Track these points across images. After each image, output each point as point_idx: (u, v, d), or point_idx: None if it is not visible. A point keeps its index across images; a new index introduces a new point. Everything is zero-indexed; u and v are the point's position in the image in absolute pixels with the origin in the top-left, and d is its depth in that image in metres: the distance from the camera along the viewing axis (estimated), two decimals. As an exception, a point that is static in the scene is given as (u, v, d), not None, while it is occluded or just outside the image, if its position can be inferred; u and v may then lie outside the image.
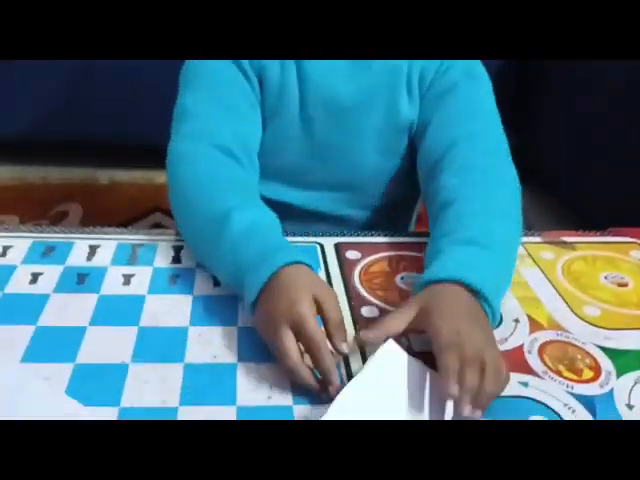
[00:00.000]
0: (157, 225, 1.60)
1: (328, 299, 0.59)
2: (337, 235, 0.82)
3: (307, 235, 0.82)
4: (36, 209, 1.65)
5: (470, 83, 0.80)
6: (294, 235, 0.81)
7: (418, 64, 0.80)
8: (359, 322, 0.66)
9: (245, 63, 0.78)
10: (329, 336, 0.58)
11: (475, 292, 0.60)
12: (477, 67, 0.81)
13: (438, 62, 0.80)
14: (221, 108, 0.76)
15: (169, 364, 0.59)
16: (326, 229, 0.88)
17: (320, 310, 0.58)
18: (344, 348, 0.58)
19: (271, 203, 0.83)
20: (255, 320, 0.61)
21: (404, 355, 0.58)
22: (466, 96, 0.79)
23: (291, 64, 0.79)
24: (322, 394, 0.56)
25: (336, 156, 0.84)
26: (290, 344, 0.56)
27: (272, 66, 0.79)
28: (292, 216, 0.86)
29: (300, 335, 0.57)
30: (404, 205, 0.95)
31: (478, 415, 0.53)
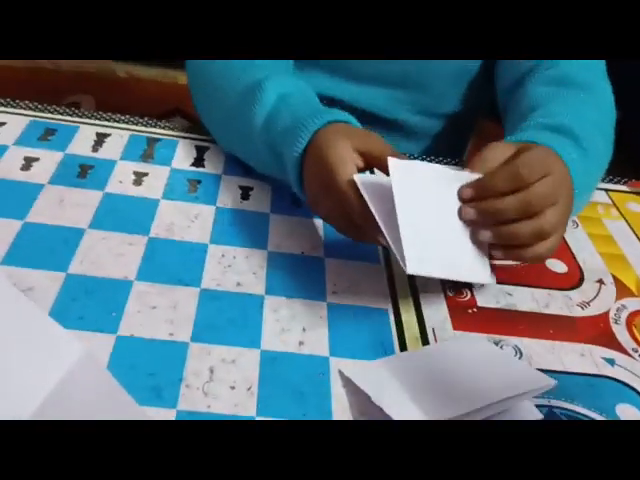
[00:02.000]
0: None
1: (377, 143, 0.50)
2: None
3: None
4: (45, 98, 1.51)
5: None
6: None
7: None
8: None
9: None
10: None
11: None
12: None
13: None
14: None
15: (182, 287, 0.47)
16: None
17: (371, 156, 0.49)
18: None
19: None
20: (306, 178, 0.51)
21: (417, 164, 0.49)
22: None
23: None
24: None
25: None
26: (347, 154, 0.48)
27: None
28: None
29: (369, 148, 0.49)
30: (467, 119, 0.81)
31: (486, 236, 0.46)
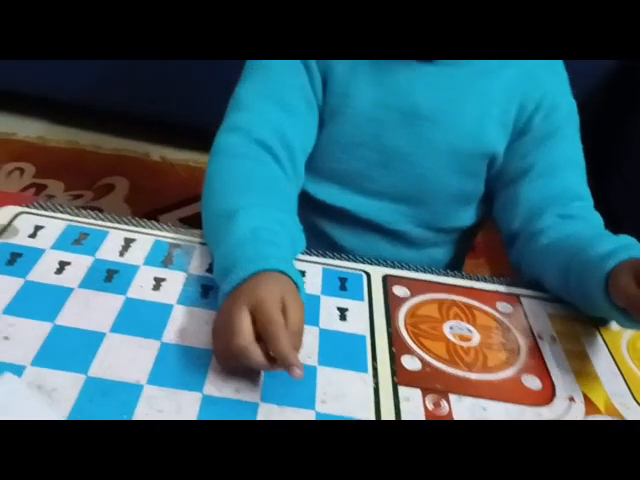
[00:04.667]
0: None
1: (294, 308, 0.55)
2: (386, 264, 0.76)
3: (353, 260, 0.76)
4: (84, 179, 1.63)
5: (572, 129, 0.79)
6: (340, 259, 0.76)
7: (517, 93, 0.77)
8: (398, 374, 0.60)
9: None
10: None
11: None
12: (575, 107, 0.79)
13: (539, 95, 0.77)
14: (272, 103, 0.73)
15: (187, 392, 0.54)
16: (377, 243, 0.84)
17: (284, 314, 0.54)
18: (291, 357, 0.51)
19: (324, 206, 0.83)
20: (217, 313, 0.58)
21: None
22: (570, 144, 0.78)
23: (364, 64, 0.74)
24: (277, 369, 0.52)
25: (404, 166, 0.79)
26: (244, 322, 0.52)
27: (340, 64, 0.75)
28: (344, 222, 0.84)
29: (258, 316, 0.53)
30: (467, 231, 0.89)
31: None
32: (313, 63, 0.74)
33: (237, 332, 0.52)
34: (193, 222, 1.56)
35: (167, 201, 1.57)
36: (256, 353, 0.52)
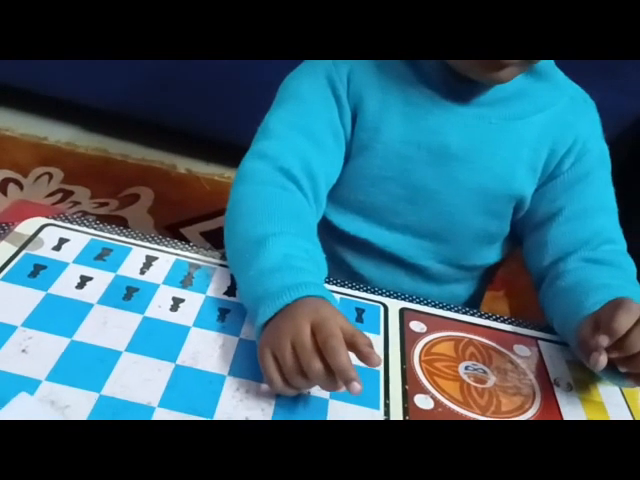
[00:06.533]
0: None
1: (356, 331, 0.55)
2: (404, 297, 0.76)
3: (371, 291, 0.76)
4: (110, 187, 1.65)
5: (604, 173, 0.78)
6: (358, 289, 0.75)
7: (549, 137, 0.76)
8: (410, 412, 0.59)
9: (342, 90, 0.75)
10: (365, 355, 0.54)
11: None
12: (607, 151, 0.79)
13: (570, 139, 0.76)
14: (300, 134, 0.74)
15: (196, 417, 0.54)
16: (397, 275, 0.84)
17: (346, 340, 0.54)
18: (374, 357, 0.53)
19: (347, 236, 0.83)
20: (265, 335, 0.58)
21: None
22: (600, 188, 0.78)
23: (396, 100, 0.74)
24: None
25: (430, 203, 0.79)
26: (309, 335, 0.54)
27: (372, 99, 0.74)
28: (365, 253, 0.84)
29: (318, 333, 0.54)
30: (488, 269, 0.88)
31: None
32: (344, 97, 0.75)
33: (303, 343, 0.53)
34: (213, 237, 1.58)
35: (189, 214, 1.58)
36: (318, 365, 0.53)
